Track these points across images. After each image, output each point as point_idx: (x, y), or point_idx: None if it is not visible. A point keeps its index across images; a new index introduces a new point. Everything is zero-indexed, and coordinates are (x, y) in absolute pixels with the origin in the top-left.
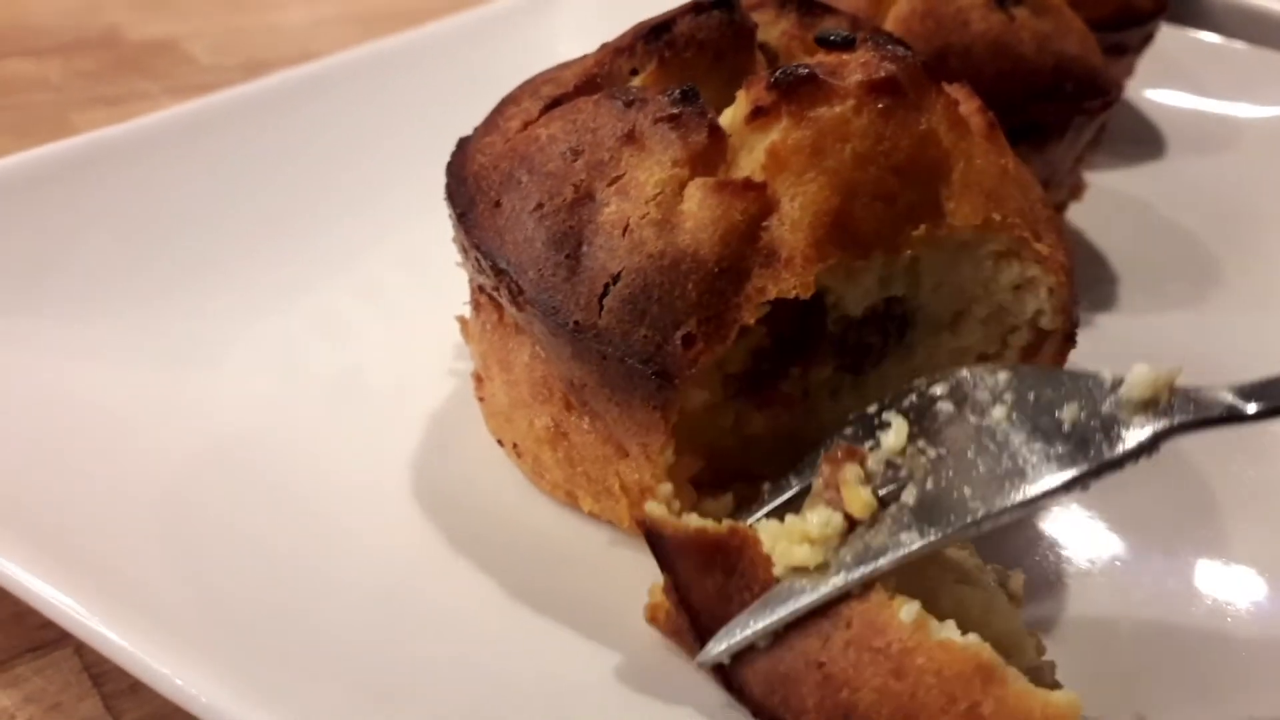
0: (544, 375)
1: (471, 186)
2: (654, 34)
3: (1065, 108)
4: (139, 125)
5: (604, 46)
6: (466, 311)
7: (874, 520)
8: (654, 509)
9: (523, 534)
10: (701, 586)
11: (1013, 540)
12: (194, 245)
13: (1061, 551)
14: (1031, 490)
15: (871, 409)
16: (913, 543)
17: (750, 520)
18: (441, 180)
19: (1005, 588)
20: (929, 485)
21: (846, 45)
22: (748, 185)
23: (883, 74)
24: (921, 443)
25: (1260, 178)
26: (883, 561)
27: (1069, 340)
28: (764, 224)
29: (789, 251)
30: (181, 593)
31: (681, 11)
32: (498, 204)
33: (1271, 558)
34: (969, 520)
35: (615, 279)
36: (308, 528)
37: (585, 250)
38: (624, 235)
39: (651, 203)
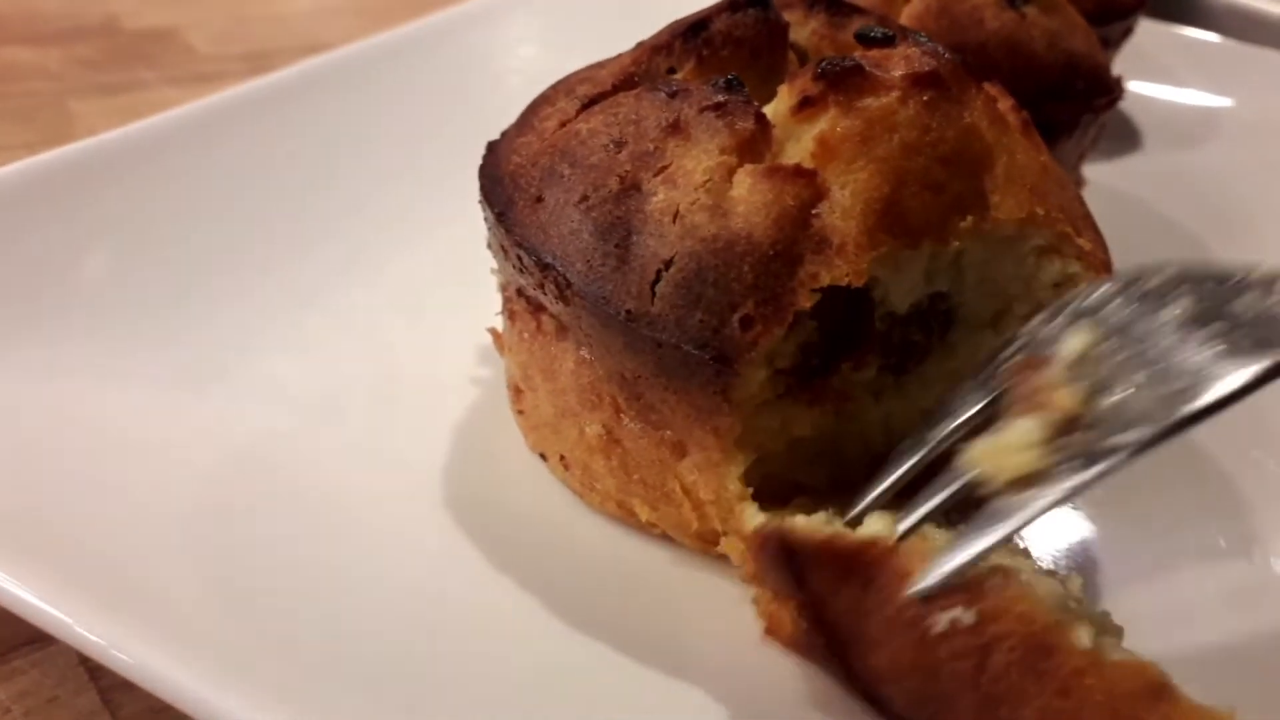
0: (591, 381)
1: (509, 185)
2: (691, 32)
3: (1075, 106)
4: (144, 127)
5: (640, 45)
6: (495, 321)
7: (1077, 425)
8: (773, 519)
9: (572, 550)
10: (838, 599)
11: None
12: (203, 251)
13: (1101, 560)
14: (1235, 380)
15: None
16: (1136, 439)
17: (851, 514)
18: (461, 176)
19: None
20: (1124, 387)
21: (887, 42)
22: (798, 171)
23: (926, 68)
24: (1102, 346)
25: (1239, 171)
26: (1115, 459)
27: None
28: (814, 211)
29: (841, 239)
30: (214, 610)
31: (717, 10)
32: (539, 199)
33: None
34: (1183, 414)
35: (667, 265)
36: (341, 543)
37: (634, 240)
38: (674, 222)
39: (701, 189)
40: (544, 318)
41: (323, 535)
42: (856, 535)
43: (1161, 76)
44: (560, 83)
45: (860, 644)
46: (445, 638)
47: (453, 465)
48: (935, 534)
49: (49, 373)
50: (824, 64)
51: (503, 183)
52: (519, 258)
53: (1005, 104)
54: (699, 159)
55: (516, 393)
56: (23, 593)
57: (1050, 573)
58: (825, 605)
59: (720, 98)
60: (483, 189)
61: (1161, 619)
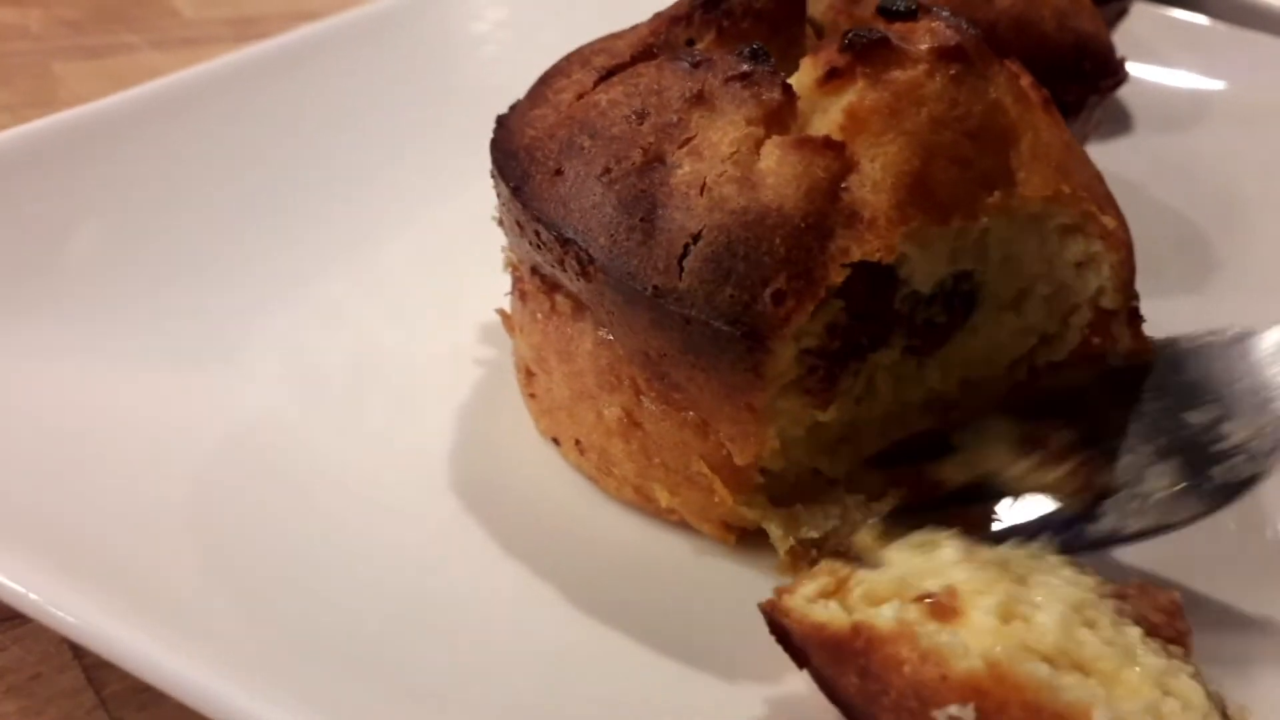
0: (611, 362)
1: (525, 159)
2: (711, 2)
3: (1083, 87)
4: (131, 96)
5: (658, 16)
6: (503, 302)
7: None
8: (780, 599)
9: (588, 537)
10: (841, 684)
11: None
12: (199, 227)
13: None
14: None
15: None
16: None
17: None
18: (464, 150)
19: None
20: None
21: (910, 15)
22: (828, 143)
23: (951, 41)
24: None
25: (1231, 154)
26: None
27: (1138, 317)
28: (844, 185)
29: (871, 212)
30: (210, 595)
31: None
32: (558, 172)
33: None
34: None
35: (695, 239)
36: (342, 529)
37: (660, 213)
38: (701, 194)
39: (728, 161)
40: (558, 297)
41: (322, 520)
42: (845, 621)
43: (1155, 59)
44: (574, 54)
45: None
46: (450, 627)
47: (459, 450)
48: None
49: (39, 350)
50: (851, 35)
51: (517, 156)
52: (536, 233)
53: (1026, 80)
54: (725, 130)
55: (528, 375)
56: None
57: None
58: (834, 685)
59: (746, 68)
60: (496, 163)
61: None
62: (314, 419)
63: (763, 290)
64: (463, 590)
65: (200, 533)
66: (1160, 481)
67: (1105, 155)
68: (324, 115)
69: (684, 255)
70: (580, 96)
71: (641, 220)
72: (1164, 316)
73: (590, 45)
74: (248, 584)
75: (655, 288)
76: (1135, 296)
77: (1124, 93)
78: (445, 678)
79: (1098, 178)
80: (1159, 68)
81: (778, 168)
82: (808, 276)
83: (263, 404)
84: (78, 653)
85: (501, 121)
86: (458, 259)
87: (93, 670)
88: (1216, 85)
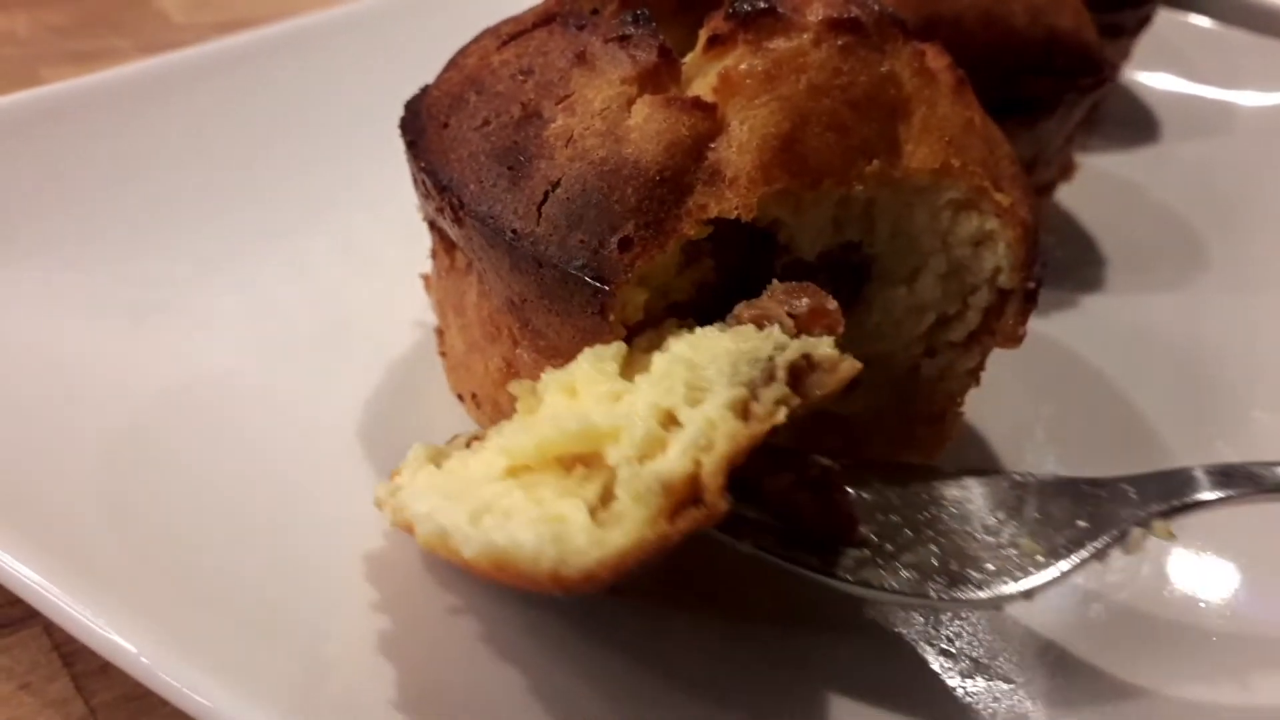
0: (490, 313)
1: (424, 116)
2: None
3: (1056, 83)
4: (110, 76)
5: None
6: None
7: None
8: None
9: None
10: None
11: None
12: (162, 196)
13: None
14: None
15: None
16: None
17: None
18: None
19: None
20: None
21: None
22: (696, 103)
23: (847, 14)
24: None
25: (1253, 165)
26: None
27: (1029, 301)
28: (711, 145)
29: (734, 172)
30: (116, 542)
31: None
32: (445, 125)
33: None
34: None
35: (555, 186)
36: (256, 476)
37: (528, 163)
38: (567, 146)
39: (597, 116)
40: (457, 254)
41: (239, 472)
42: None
43: (1179, 67)
44: (491, 26)
45: None
46: (355, 581)
47: (375, 410)
48: None
49: None
50: (736, 3)
51: (419, 115)
52: (424, 183)
53: (940, 62)
54: (600, 88)
55: (439, 335)
56: None
57: None
58: None
59: (627, 31)
60: (401, 122)
61: None
62: (247, 373)
63: (610, 236)
64: (366, 548)
65: (116, 481)
66: (912, 559)
67: (1123, 160)
68: (294, 101)
69: (543, 202)
70: (483, 60)
71: (509, 169)
72: (1150, 315)
73: (507, 18)
74: (156, 530)
75: (514, 231)
76: (1034, 278)
77: (1146, 98)
78: (358, 632)
79: (1007, 158)
80: (1182, 77)
81: (644, 124)
82: (657, 226)
83: (198, 357)
84: (67, 662)
85: (424, 88)
86: (414, 231)
87: (82, 679)
88: (1239, 93)
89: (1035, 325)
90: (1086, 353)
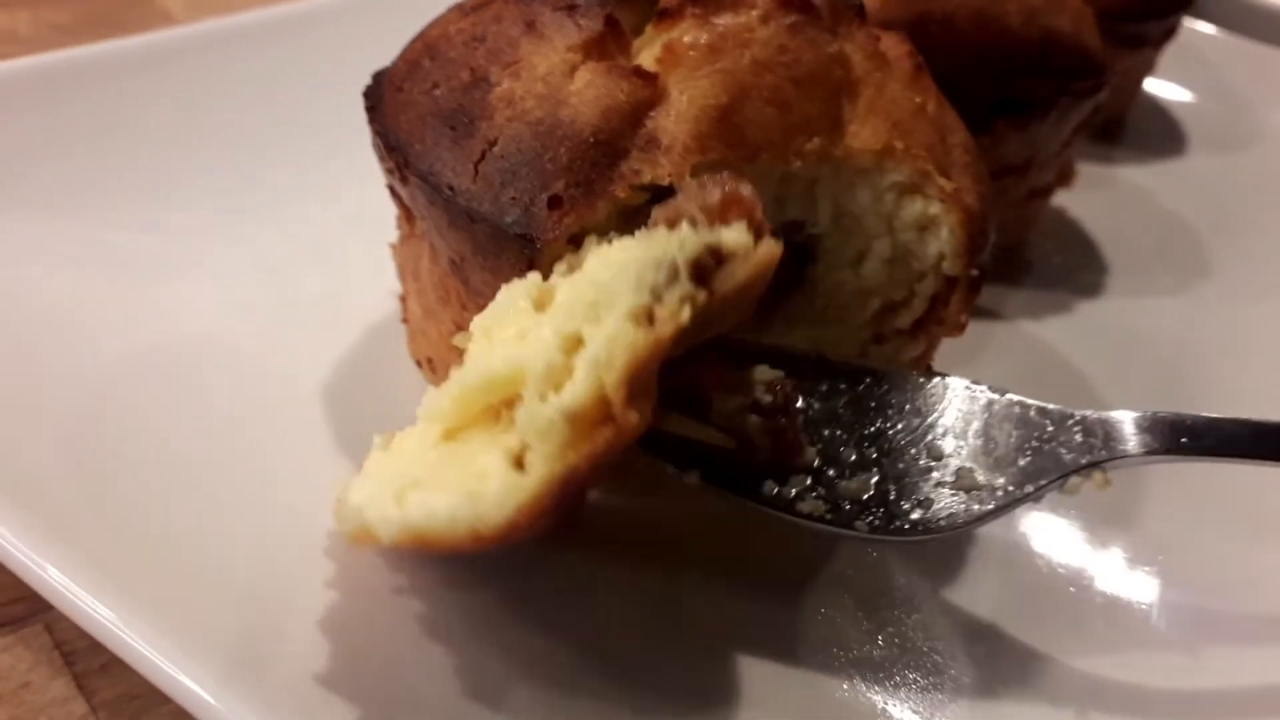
0: (440, 276)
1: (385, 83)
2: None
3: (1051, 85)
4: (110, 48)
5: None
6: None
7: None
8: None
9: None
10: None
11: None
12: (157, 163)
13: None
14: None
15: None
16: None
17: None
18: None
19: None
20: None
21: None
22: (638, 71)
23: None
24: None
25: (1274, 180)
26: None
27: (973, 289)
28: (651, 113)
29: (670, 140)
30: (78, 501)
31: None
32: (400, 90)
33: None
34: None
35: (492, 145)
36: (218, 444)
37: (470, 124)
38: (508, 107)
39: (540, 81)
40: (416, 221)
41: (203, 436)
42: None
43: (1205, 80)
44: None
45: None
46: (318, 552)
47: (340, 378)
48: None
49: None
50: None
51: (381, 83)
52: (379, 146)
53: (898, 49)
54: (546, 55)
55: (402, 302)
56: None
57: None
58: None
59: (576, 0)
60: (365, 89)
61: None
62: (224, 336)
63: (541, 194)
64: (325, 523)
65: (77, 437)
66: (852, 485)
67: (1143, 172)
68: (290, 78)
69: (480, 160)
70: (443, 30)
71: (452, 129)
72: (1150, 321)
73: None
74: (117, 492)
75: (450, 187)
76: (979, 266)
77: (1170, 110)
78: (322, 597)
79: (961, 146)
80: (1207, 89)
81: (583, 89)
82: (588, 187)
83: (178, 324)
84: (68, 661)
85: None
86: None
87: (83, 678)
88: (1265, 107)
89: (1030, 329)
90: (1079, 358)
